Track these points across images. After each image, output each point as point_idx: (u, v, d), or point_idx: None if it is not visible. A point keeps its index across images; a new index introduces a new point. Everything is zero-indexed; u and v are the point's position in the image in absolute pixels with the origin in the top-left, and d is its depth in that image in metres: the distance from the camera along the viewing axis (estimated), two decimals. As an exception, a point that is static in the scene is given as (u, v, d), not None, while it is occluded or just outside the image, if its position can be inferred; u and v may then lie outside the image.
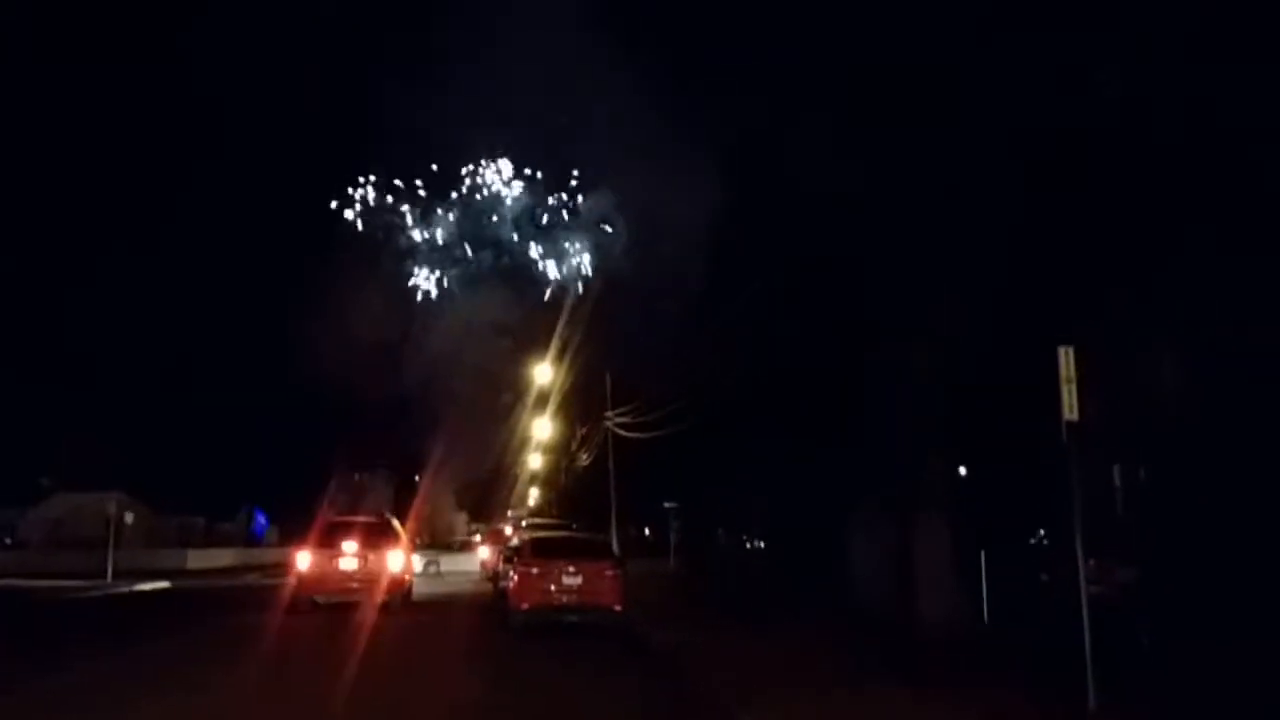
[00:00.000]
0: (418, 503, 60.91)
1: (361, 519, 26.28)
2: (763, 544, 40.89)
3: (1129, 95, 15.47)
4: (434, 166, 61.51)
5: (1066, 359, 10.56)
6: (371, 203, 61.36)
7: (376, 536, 24.02)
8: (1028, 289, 17.30)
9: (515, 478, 78.74)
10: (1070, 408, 10.52)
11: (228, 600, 29.24)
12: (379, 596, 22.62)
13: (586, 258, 56.92)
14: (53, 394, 54.05)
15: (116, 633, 20.49)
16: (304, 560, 23.31)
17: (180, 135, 57.69)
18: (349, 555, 23.20)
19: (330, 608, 22.52)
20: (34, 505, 58.40)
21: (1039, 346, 10.96)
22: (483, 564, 41.25)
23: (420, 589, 27.88)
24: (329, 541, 23.56)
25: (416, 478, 79.31)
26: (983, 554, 18.30)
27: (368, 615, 21.22)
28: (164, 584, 37.93)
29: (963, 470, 22.33)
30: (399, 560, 24.03)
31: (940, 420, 17.60)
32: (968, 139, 16.19)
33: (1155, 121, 15.50)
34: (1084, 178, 16.38)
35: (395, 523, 26.47)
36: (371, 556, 23.28)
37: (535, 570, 19.46)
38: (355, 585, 23.02)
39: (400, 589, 23.91)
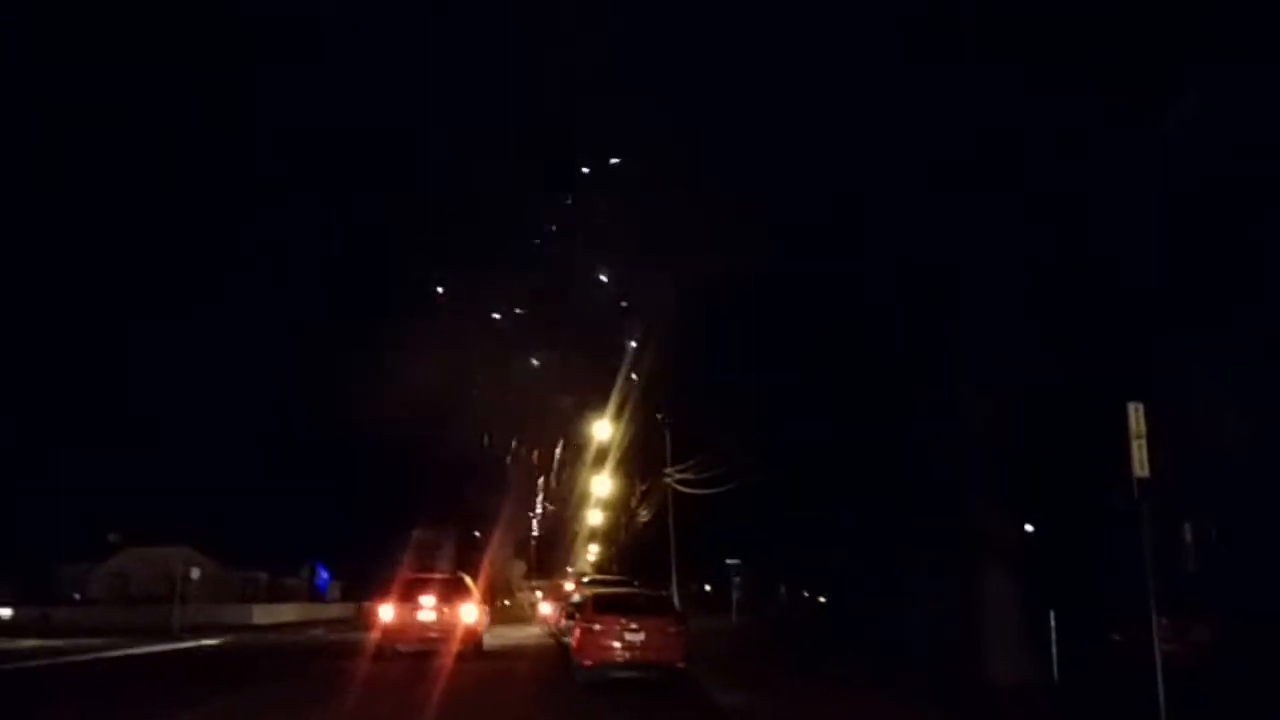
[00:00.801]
0: (486, 561, 61.31)
1: (438, 576, 29.42)
2: (824, 600, 40.48)
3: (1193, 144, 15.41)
4: (493, 226, 61.97)
5: (1136, 415, 10.49)
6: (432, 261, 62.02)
7: (451, 591, 26.21)
8: (1094, 343, 17.16)
9: (575, 534, 78.78)
10: (1140, 464, 10.43)
11: (304, 652, 30.40)
12: (454, 646, 24.49)
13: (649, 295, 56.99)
14: (121, 451, 54.93)
15: (227, 678, 22.16)
16: (387, 613, 25.49)
17: (245, 197, 58.85)
18: (427, 608, 25.33)
19: (411, 655, 24.35)
20: (102, 561, 59.12)
21: (1107, 403, 10.88)
22: (544, 619, 41.11)
23: (488, 641, 29.16)
24: (409, 595, 25.79)
25: (476, 534, 79.64)
26: (1051, 613, 17.99)
27: (445, 662, 22.85)
28: (224, 638, 38.23)
29: (1029, 528, 22.05)
30: (472, 613, 25.87)
31: (1006, 478, 17.44)
32: (1027, 202, 16.18)
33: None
34: (1147, 233, 16.28)
35: (468, 579, 28.32)
36: (447, 610, 25.33)
37: (598, 626, 19.40)
38: (433, 635, 25.00)
39: (473, 639, 25.67)
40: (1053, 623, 17.91)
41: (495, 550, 74.26)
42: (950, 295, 17.65)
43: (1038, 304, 16.74)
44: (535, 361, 65.07)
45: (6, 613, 47.94)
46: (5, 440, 46.46)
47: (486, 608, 30.61)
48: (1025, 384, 17.37)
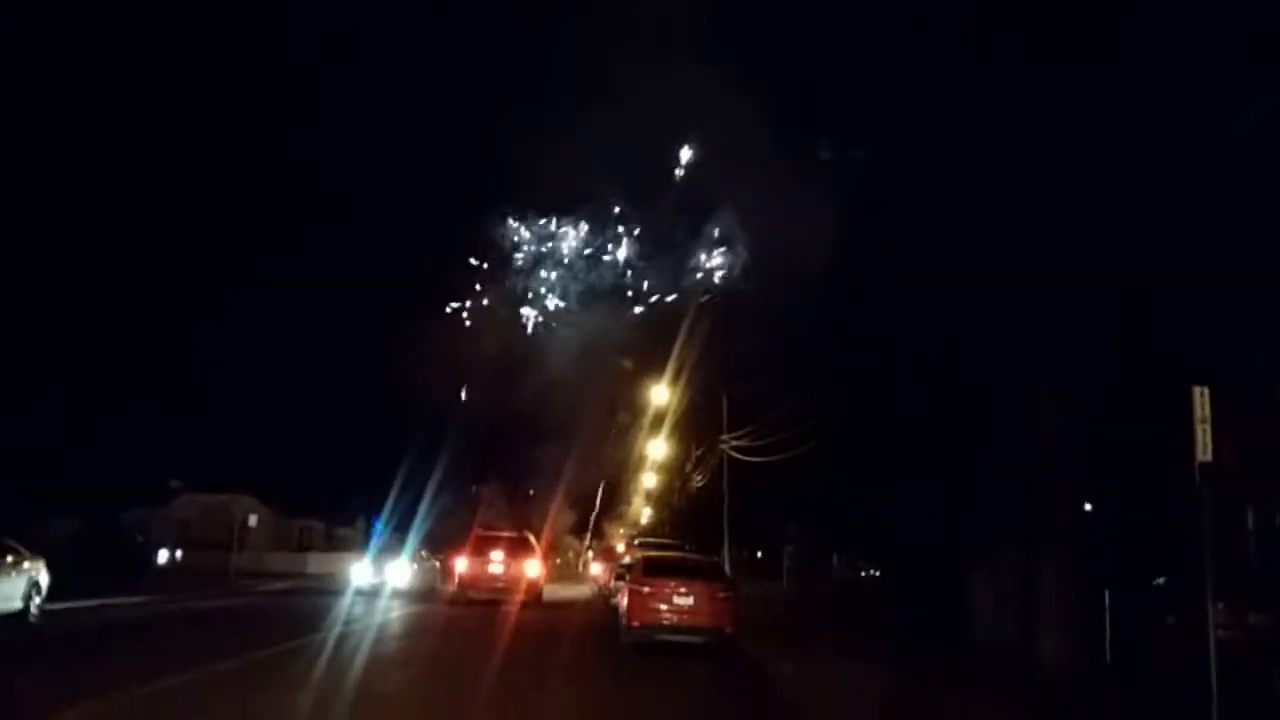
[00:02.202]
0: (549, 520, 62.45)
1: (506, 534, 32.28)
2: (878, 572, 40.30)
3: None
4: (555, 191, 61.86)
5: (1201, 399, 10.30)
6: (492, 221, 62.05)
7: (517, 548, 30.40)
8: (1160, 325, 16.88)
9: (629, 496, 79.05)
10: (1204, 449, 10.25)
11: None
12: (519, 596, 28.45)
13: (718, 261, 56.54)
14: (184, 397, 55.88)
15: (319, 616, 23.31)
16: (462, 564, 30.10)
17: (295, 155, 59.22)
18: (496, 562, 29.51)
19: (482, 602, 27.87)
20: (163, 506, 60.17)
21: (1172, 386, 10.70)
22: (594, 579, 41.41)
23: (545, 594, 31.99)
24: (481, 550, 29.96)
25: (531, 492, 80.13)
26: (1107, 594, 17.80)
27: (511, 609, 26.29)
28: (289, 584, 38.90)
29: (1088, 506, 21.79)
30: (535, 568, 30.13)
31: (1067, 458, 17.24)
32: (1099, 184, 15.89)
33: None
34: (1216, 217, 15.94)
35: (532, 538, 32.35)
36: (513, 564, 29.49)
37: (647, 589, 19.43)
38: (500, 585, 29.00)
39: (535, 591, 29.60)
40: (1107, 604, 17.73)
41: (555, 511, 74.79)
42: (1030, 301, 17.38)
43: (1114, 300, 16.46)
44: (595, 324, 65.02)
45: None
46: (78, 391, 47.38)
47: (547, 563, 35.32)
48: (1097, 376, 17.14)
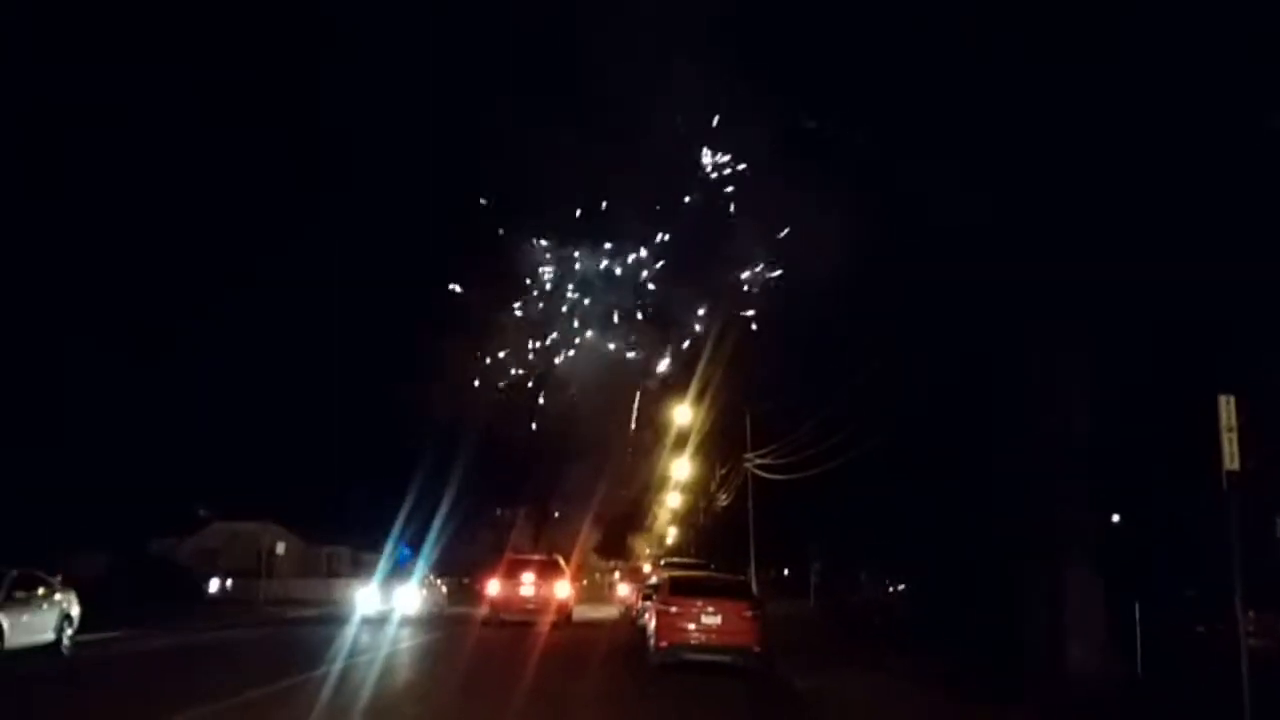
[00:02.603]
0: (579, 543, 64.07)
1: (536, 557, 34.37)
2: (905, 588, 40.15)
3: None
4: (576, 209, 62.11)
5: (1228, 408, 10.26)
6: (514, 242, 62.35)
7: (548, 570, 31.56)
8: (1184, 333, 16.81)
9: (654, 516, 79.03)
10: (1231, 457, 10.20)
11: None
12: (550, 617, 29.36)
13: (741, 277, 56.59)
14: (210, 426, 56.08)
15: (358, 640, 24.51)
16: (494, 588, 30.98)
17: (309, 168, 59.53)
18: (528, 584, 30.48)
19: (514, 624, 28.55)
20: (190, 534, 60.35)
21: (1197, 394, 10.67)
22: (621, 600, 41.37)
23: (575, 615, 33.19)
24: (513, 573, 30.94)
25: (556, 514, 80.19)
26: (1136, 605, 17.69)
27: (542, 630, 27.24)
28: (318, 611, 39.00)
29: (1115, 518, 21.69)
30: (565, 589, 31.43)
31: (1093, 471, 17.16)
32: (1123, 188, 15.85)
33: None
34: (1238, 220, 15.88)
35: (561, 560, 33.68)
36: (544, 586, 30.50)
37: (674, 609, 19.43)
38: (531, 607, 29.79)
39: (565, 611, 30.83)
40: (1137, 615, 17.62)
41: (584, 534, 74.93)
42: (1058, 306, 17.31)
43: (1140, 304, 16.41)
44: (616, 345, 65.17)
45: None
46: (102, 418, 47.62)
47: (576, 585, 36.87)
48: (1122, 383, 17.07)
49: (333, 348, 60.84)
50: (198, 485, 58.51)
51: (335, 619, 29.96)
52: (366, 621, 28.42)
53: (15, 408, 41.29)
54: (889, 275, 24.02)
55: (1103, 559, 17.31)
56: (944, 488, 26.19)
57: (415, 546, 77.96)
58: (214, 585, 48.07)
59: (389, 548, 76.16)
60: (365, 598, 32.04)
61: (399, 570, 66.37)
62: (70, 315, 45.79)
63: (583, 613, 36.38)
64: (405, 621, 29.94)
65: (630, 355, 64.72)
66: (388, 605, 31.67)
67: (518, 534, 75.82)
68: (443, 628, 29.73)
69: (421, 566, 37.08)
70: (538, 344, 62.88)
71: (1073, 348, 17.45)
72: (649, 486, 73.90)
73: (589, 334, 65.89)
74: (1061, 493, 17.66)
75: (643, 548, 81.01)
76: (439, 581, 38.75)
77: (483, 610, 31.85)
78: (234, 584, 48.64)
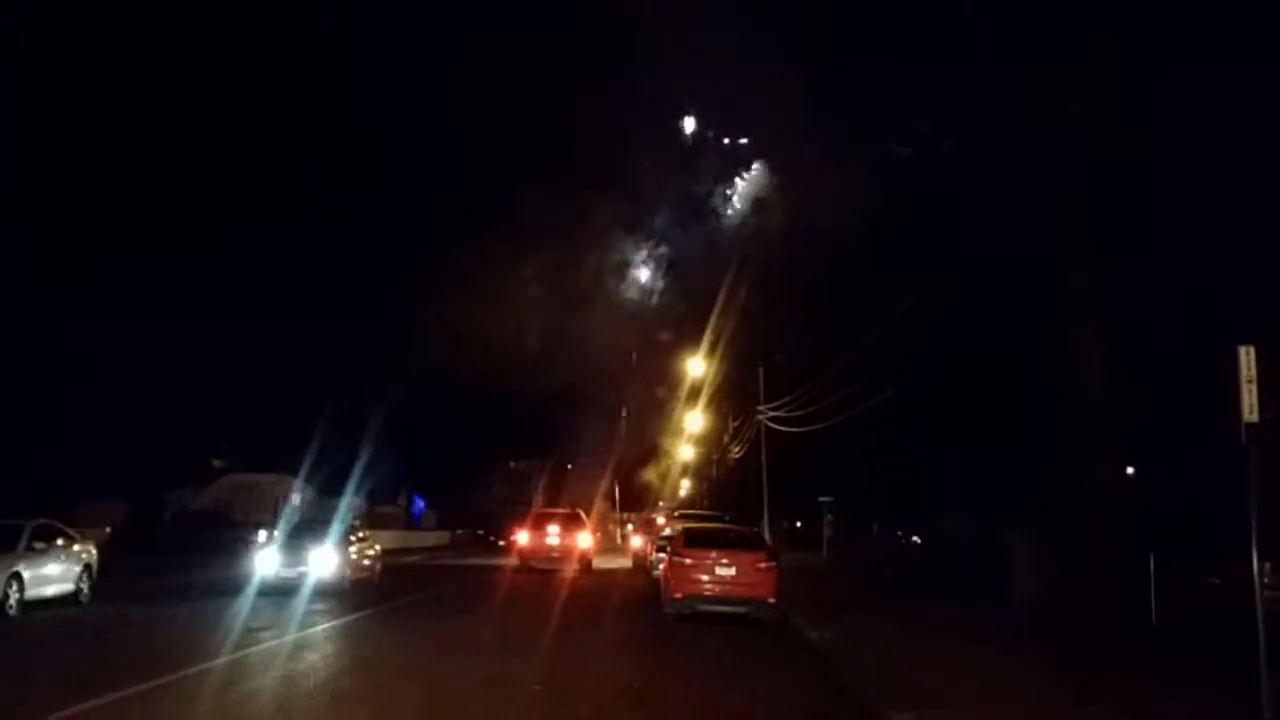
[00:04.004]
0: (598, 495, 67.35)
1: (560, 511, 38.34)
2: (918, 539, 40.26)
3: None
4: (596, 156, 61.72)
5: (1247, 358, 10.18)
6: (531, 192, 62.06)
7: (571, 523, 35.19)
8: (1205, 284, 16.69)
9: (667, 468, 79.29)
10: (1250, 409, 10.13)
11: (437, 571, 36.36)
12: (573, 564, 33.10)
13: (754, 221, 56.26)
14: (225, 378, 56.27)
15: (391, 588, 25.69)
16: (524, 538, 34.91)
17: (342, 126, 59.41)
18: (553, 535, 34.08)
19: (540, 571, 32.32)
20: (205, 486, 60.78)
21: (1216, 345, 10.58)
22: (634, 553, 41.61)
23: (596, 563, 36.46)
24: (540, 525, 34.78)
25: (569, 466, 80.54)
26: (1151, 557, 17.69)
27: (566, 576, 30.86)
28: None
29: (1130, 470, 21.62)
30: (587, 540, 35.10)
31: (1109, 421, 17.07)
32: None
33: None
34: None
35: (583, 514, 37.53)
36: (567, 537, 34.04)
37: (688, 560, 19.52)
38: (556, 556, 33.50)
39: (586, 560, 34.31)
40: (1151, 568, 17.61)
41: (585, 482, 75.27)
42: (1083, 241, 17.13)
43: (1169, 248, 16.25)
44: (633, 295, 65.05)
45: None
46: (120, 371, 47.85)
47: (596, 536, 40.03)
48: (1144, 334, 16.99)
49: (349, 301, 61.00)
50: (212, 437, 58.92)
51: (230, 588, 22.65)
52: (264, 593, 21.75)
53: (31, 360, 41.51)
54: (907, 225, 23.86)
55: (1120, 512, 17.26)
56: (958, 439, 26.17)
57: (429, 498, 78.83)
58: (262, 536, 47.98)
59: (416, 498, 76.74)
60: (265, 560, 23.70)
61: (415, 523, 66.68)
62: (86, 267, 45.95)
63: (598, 563, 37.35)
64: (320, 592, 22.44)
65: (644, 306, 64.60)
66: (297, 570, 23.10)
67: (533, 487, 76.29)
68: (374, 602, 22.36)
69: (343, 515, 28.67)
70: (555, 297, 62.66)
71: (1087, 300, 17.32)
72: (662, 439, 74.09)
73: (604, 285, 65.75)
74: (1074, 443, 17.60)
75: (656, 500, 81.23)
76: (364, 538, 27.58)
77: (513, 557, 35.73)
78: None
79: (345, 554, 24.47)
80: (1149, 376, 17.95)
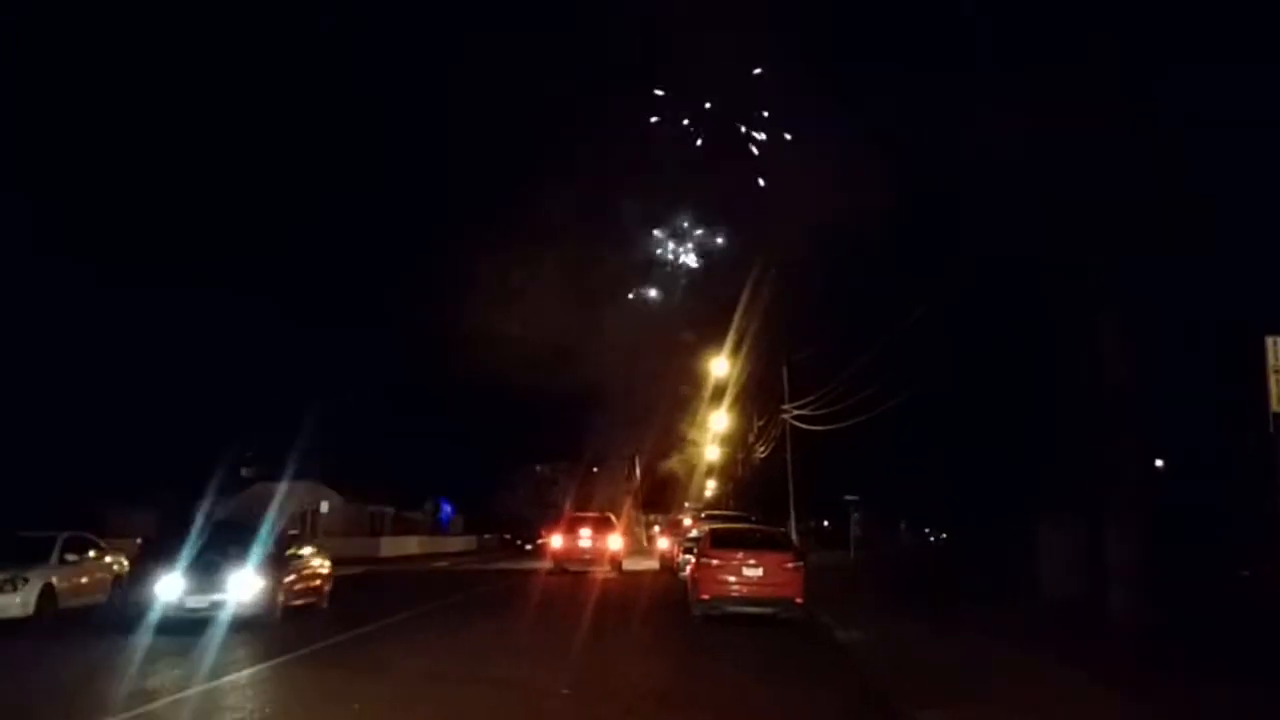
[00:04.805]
0: (629, 498, 70.35)
1: (591, 515, 39.95)
2: (945, 537, 40.11)
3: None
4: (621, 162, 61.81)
5: (1275, 349, 10.12)
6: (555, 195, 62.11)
7: (602, 526, 36.95)
8: (1228, 277, 16.57)
9: (693, 469, 79.15)
10: (1278, 399, 10.08)
11: (465, 576, 36.46)
12: (604, 566, 35.03)
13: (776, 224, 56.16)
14: (255, 388, 56.51)
15: (417, 592, 26.13)
16: (557, 541, 36.87)
17: (356, 124, 59.66)
18: (585, 538, 35.76)
19: (574, 573, 33.57)
20: (235, 494, 61.04)
21: (1244, 337, 10.53)
22: (661, 554, 41.59)
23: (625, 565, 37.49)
24: (572, 528, 36.63)
25: (595, 469, 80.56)
26: (1177, 549, 17.56)
27: (597, 576, 32.68)
28: (362, 569, 39.44)
29: (1159, 463, 21.50)
30: (617, 542, 36.76)
31: (1135, 416, 16.99)
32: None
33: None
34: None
35: (613, 517, 39.37)
36: (599, 539, 35.74)
37: (715, 561, 19.48)
38: (589, 558, 35.26)
39: (616, 561, 35.95)
40: (1178, 560, 17.48)
41: (611, 485, 75.42)
42: (1099, 233, 17.04)
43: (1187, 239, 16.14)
44: (655, 296, 65.04)
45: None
46: (150, 381, 48.16)
47: (626, 538, 41.47)
48: (1168, 325, 16.88)
49: (375, 307, 61.23)
50: (240, 446, 59.20)
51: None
52: (165, 629, 16.59)
53: (60, 372, 41.87)
54: (931, 224, 23.78)
55: (1145, 505, 17.18)
56: (984, 436, 26.05)
57: (456, 503, 79.02)
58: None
59: (443, 505, 76.90)
60: (167, 586, 17.72)
61: (441, 529, 66.54)
62: (115, 274, 46.27)
63: (625, 565, 37.72)
64: (242, 626, 17.11)
65: (668, 307, 64.57)
66: (209, 598, 17.63)
67: (560, 490, 76.37)
68: (316, 635, 16.58)
69: (266, 533, 19.78)
70: (580, 298, 62.72)
71: (1112, 296, 17.24)
72: (687, 440, 74.01)
73: (627, 286, 65.78)
74: (1103, 438, 17.52)
75: (681, 501, 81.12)
76: (306, 554, 21.81)
77: (546, 560, 37.56)
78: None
79: (275, 576, 18.64)
80: (1176, 372, 17.88)
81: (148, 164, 48.09)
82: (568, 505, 55.07)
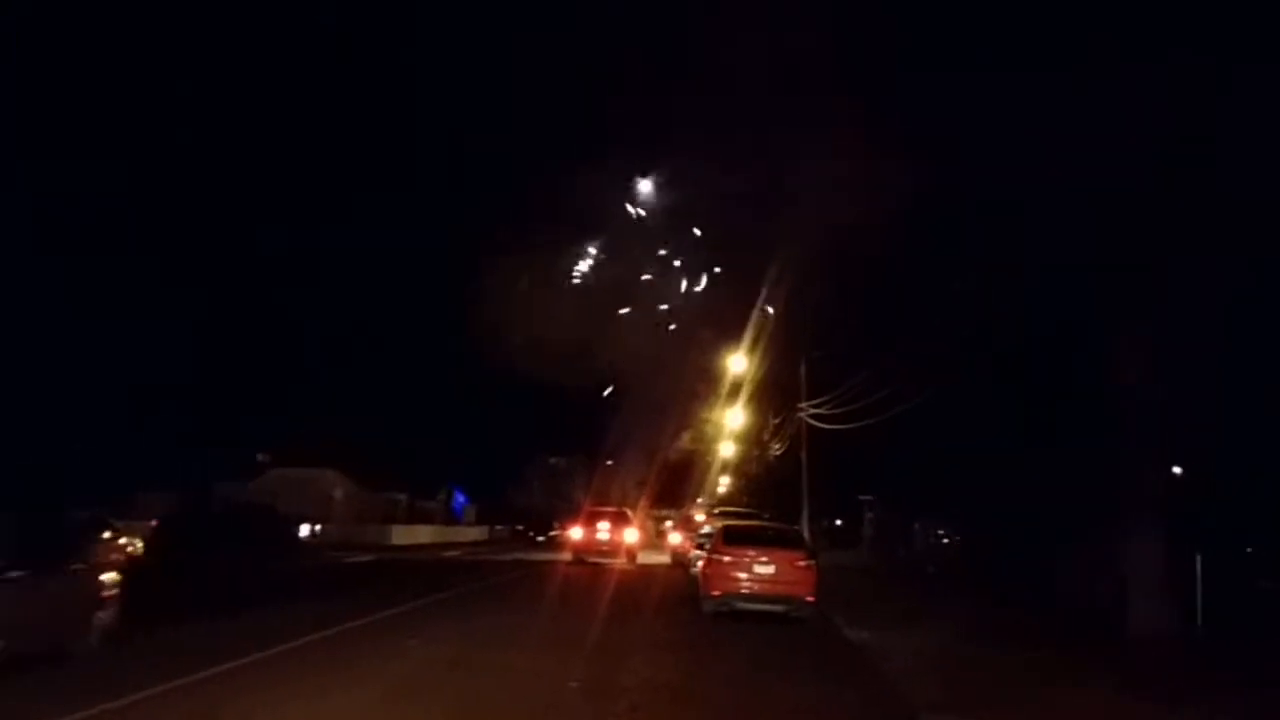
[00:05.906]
0: (645, 492, 71.73)
1: (609, 509, 42.10)
2: (960, 538, 39.92)
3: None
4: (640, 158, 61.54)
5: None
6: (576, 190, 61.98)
7: (619, 519, 39.08)
8: (1259, 283, 16.39)
9: (707, 465, 79.02)
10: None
11: (476, 565, 36.96)
12: (621, 557, 36.82)
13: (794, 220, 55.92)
14: (272, 375, 56.83)
15: (435, 579, 27.29)
16: (576, 533, 38.82)
17: (387, 121, 59.81)
18: (603, 531, 37.79)
19: (593, 564, 35.63)
20: (250, 480, 61.31)
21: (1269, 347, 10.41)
22: (673, 550, 41.54)
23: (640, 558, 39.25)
24: (591, 521, 38.56)
25: (609, 462, 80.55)
26: (1198, 559, 17.40)
27: (615, 567, 34.23)
28: (373, 556, 39.52)
29: (1177, 470, 21.32)
30: (633, 535, 38.96)
31: (1159, 424, 16.84)
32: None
33: None
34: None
35: (629, 511, 41.94)
36: (616, 532, 37.78)
37: (727, 558, 19.41)
38: (606, 549, 37.21)
39: (633, 554, 38.02)
40: (1198, 570, 17.32)
41: (621, 478, 75.41)
42: (1118, 248, 16.87)
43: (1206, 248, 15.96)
44: (674, 291, 64.84)
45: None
46: (173, 369, 48.54)
47: (641, 532, 43.19)
48: (1188, 333, 16.70)
49: (397, 299, 61.38)
50: (257, 432, 59.53)
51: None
52: None
53: (81, 357, 42.17)
54: (954, 223, 23.59)
55: (1166, 513, 17.04)
56: (1007, 439, 25.87)
57: (470, 493, 79.16)
58: (304, 530, 48.05)
59: (457, 494, 76.94)
60: None
61: (455, 518, 66.63)
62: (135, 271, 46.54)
63: (640, 559, 38.78)
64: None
65: (685, 303, 64.36)
66: None
67: (573, 483, 76.45)
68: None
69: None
70: (598, 291, 62.59)
71: (1137, 306, 17.08)
72: (702, 436, 73.90)
73: (644, 281, 65.60)
74: (1124, 447, 17.38)
75: (694, 497, 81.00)
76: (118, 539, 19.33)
77: (567, 551, 39.25)
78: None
79: None
80: (1197, 377, 17.71)
81: (177, 156, 48.35)
82: (585, 500, 56.99)
